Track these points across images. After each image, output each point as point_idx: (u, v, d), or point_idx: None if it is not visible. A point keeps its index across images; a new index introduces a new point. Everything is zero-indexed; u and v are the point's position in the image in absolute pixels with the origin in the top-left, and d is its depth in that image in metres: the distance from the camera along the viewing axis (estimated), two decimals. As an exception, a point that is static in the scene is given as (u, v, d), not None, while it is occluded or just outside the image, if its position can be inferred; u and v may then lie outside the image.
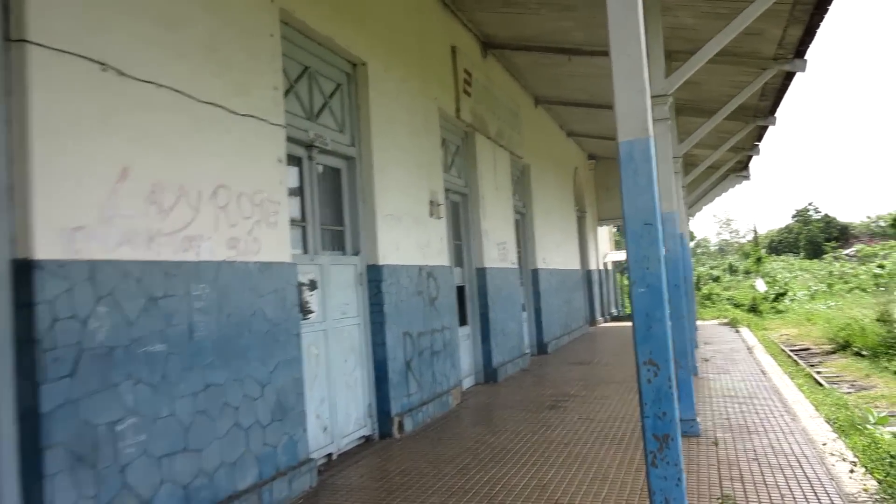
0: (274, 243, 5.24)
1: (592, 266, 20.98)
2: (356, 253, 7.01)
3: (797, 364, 13.03)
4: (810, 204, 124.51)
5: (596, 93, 13.92)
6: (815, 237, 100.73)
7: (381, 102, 7.44)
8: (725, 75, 11.18)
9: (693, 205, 20.26)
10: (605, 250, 24.65)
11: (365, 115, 7.18)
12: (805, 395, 8.53)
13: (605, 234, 24.68)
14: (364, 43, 7.15)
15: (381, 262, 7.10)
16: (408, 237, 7.80)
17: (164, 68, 4.35)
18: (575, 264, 18.41)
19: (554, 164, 16.69)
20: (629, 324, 20.42)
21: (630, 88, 3.30)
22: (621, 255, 25.83)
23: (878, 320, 13.44)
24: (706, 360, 11.63)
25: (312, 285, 6.14)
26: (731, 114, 11.53)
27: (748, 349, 13.19)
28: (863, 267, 33.34)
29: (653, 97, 6.83)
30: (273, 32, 5.51)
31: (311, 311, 6.07)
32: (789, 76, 11.04)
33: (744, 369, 10.40)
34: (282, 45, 5.74)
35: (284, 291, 5.32)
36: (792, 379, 9.76)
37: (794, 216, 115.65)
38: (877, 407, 9.18)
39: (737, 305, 25.69)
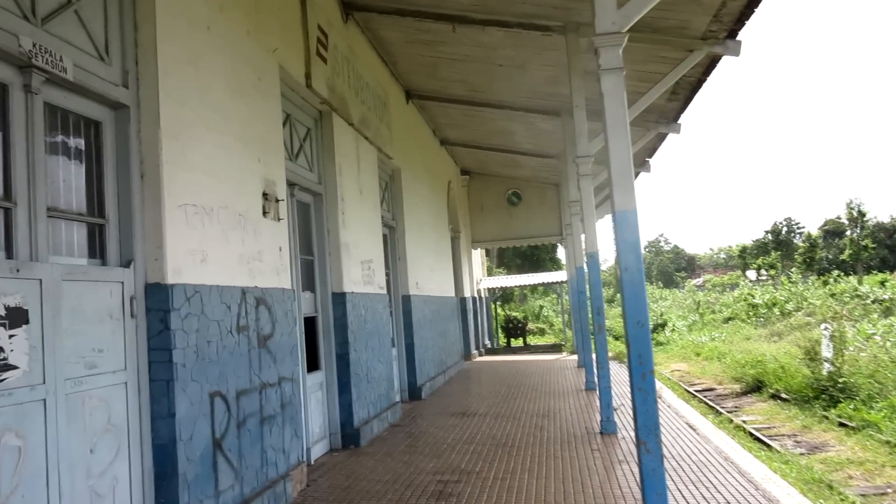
0: None
1: (467, 293, 18.75)
2: (126, 263, 4.20)
3: (717, 412, 11.18)
4: (661, 235, 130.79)
5: (479, 85, 11.70)
6: (666, 267, 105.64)
7: (178, 30, 4.72)
8: (639, 63, 9.23)
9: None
10: (479, 276, 22.57)
11: (147, 41, 4.42)
12: (767, 465, 6.48)
13: (478, 258, 22.61)
14: (148, -76, 4.42)
15: (170, 280, 4.32)
16: (224, 243, 5.06)
17: None
18: (450, 291, 16.08)
19: (427, 173, 14.34)
20: (506, 357, 18.05)
21: None
22: (496, 282, 23.88)
23: (807, 358, 11.67)
24: (615, 409, 9.49)
25: (17, 318, 3.29)
26: (635, 118, 9.60)
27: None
28: (733, 294, 33.22)
29: (600, 35, 4.56)
30: None
31: (8, 368, 3.22)
32: (712, 65, 9.27)
33: (667, 423, 8.30)
34: None
35: None
36: (732, 438, 7.73)
37: (645, 247, 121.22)
38: (851, 478, 7.31)
39: (616, 337, 24.28)
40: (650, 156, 14.77)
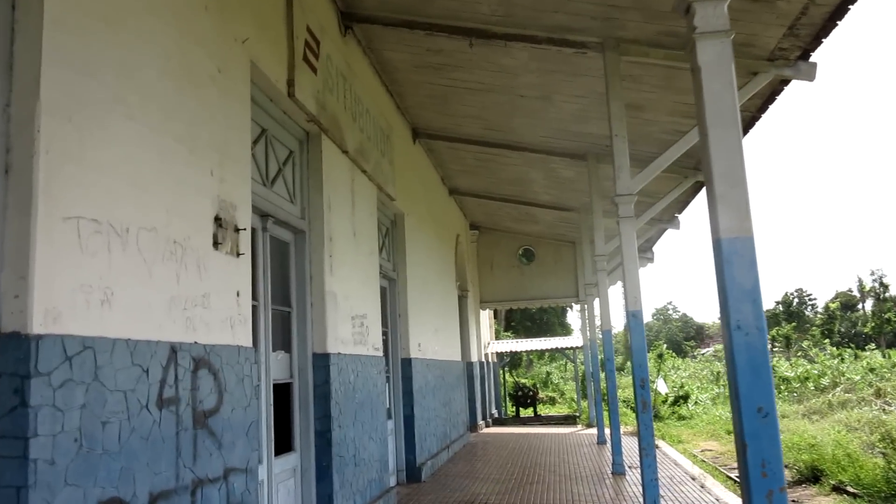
0: None
1: (474, 357, 17.10)
2: (-36, 301, 2.70)
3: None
4: (669, 303, 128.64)
5: (496, 121, 10.35)
6: (675, 335, 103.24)
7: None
8: (686, 92, 7.88)
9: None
10: (487, 338, 20.92)
11: (32, -25, 3.03)
12: None
13: (487, 320, 20.98)
14: None
15: (38, 328, 2.80)
16: (145, 279, 3.56)
17: None
18: (456, 355, 14.46)
19: (435, 223, 12.91)
20: (516, 429, 16.10)
21: None
22: (506, 346, 22.21)
23: (884, 445, 9.78)
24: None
25: None
26: (670, 165, 8.12)
27: (693, 479, 9.55)
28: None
29: None
30: None
31: None
32: (772, 96, 7.89)
33: (728, 524, 6.62)
34: None
35: None
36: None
37: (654, 314, 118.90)
38: None
39: (633, 408, 22.42)
40: (681, 210, 13.32)
